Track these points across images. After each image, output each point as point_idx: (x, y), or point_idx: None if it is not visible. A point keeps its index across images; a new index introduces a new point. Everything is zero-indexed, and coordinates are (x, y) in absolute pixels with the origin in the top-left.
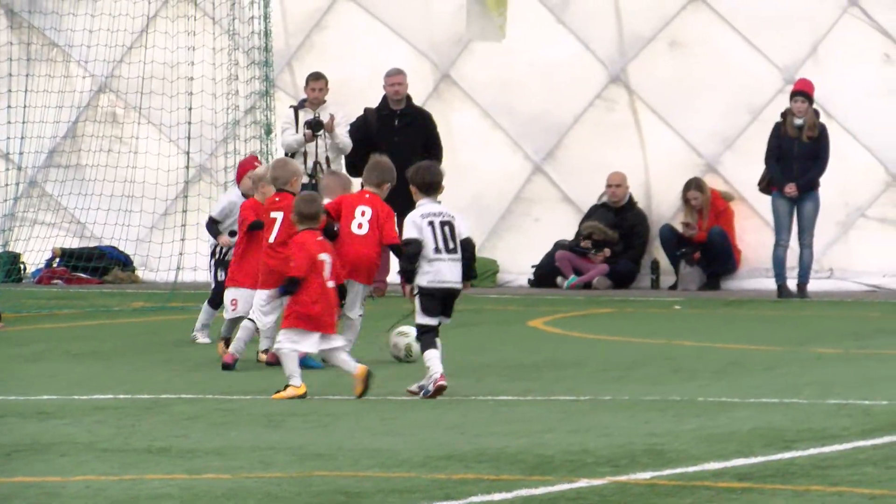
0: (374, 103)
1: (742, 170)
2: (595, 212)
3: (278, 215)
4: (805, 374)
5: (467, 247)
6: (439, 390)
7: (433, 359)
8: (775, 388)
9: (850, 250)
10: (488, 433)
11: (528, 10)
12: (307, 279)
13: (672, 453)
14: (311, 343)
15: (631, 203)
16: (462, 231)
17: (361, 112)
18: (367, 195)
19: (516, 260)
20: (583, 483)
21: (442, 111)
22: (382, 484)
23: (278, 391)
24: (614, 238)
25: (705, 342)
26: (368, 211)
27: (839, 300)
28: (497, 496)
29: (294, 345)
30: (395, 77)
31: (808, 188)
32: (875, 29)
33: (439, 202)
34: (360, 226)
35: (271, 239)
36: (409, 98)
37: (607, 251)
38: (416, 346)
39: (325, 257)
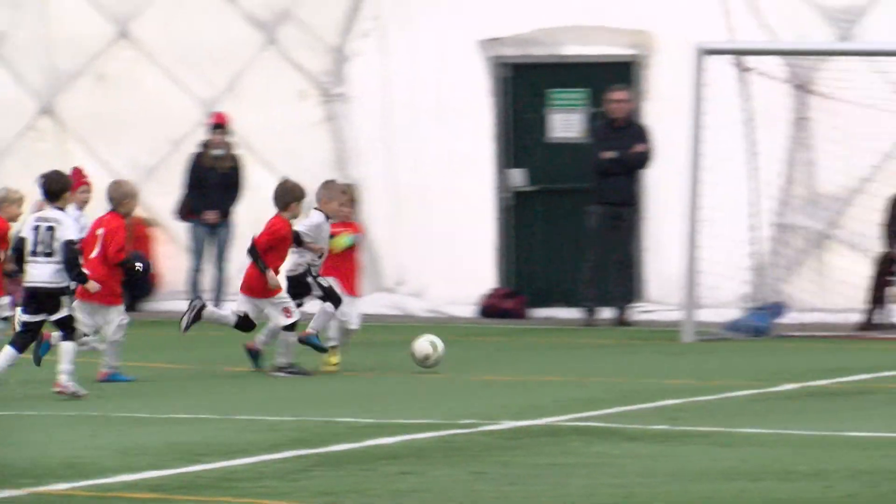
0: None
1: (162, 198)
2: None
3: (100, 232)
4: (216, 393)
5: (64, 249)
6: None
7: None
8: (187, 405)
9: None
10: None
11: None
12: None
13: (88, 466)
14: None
15: None
16: (66, 234)
17: None
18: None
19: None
20: (4, 494)
21: None
22: None
23: None
24: None
25: (132, 361)
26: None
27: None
28: None
29: None
30: None
31: (224, 216)
32: (292, 66)
33: (60, 209)
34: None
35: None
36: None
37: None
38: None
39: None
